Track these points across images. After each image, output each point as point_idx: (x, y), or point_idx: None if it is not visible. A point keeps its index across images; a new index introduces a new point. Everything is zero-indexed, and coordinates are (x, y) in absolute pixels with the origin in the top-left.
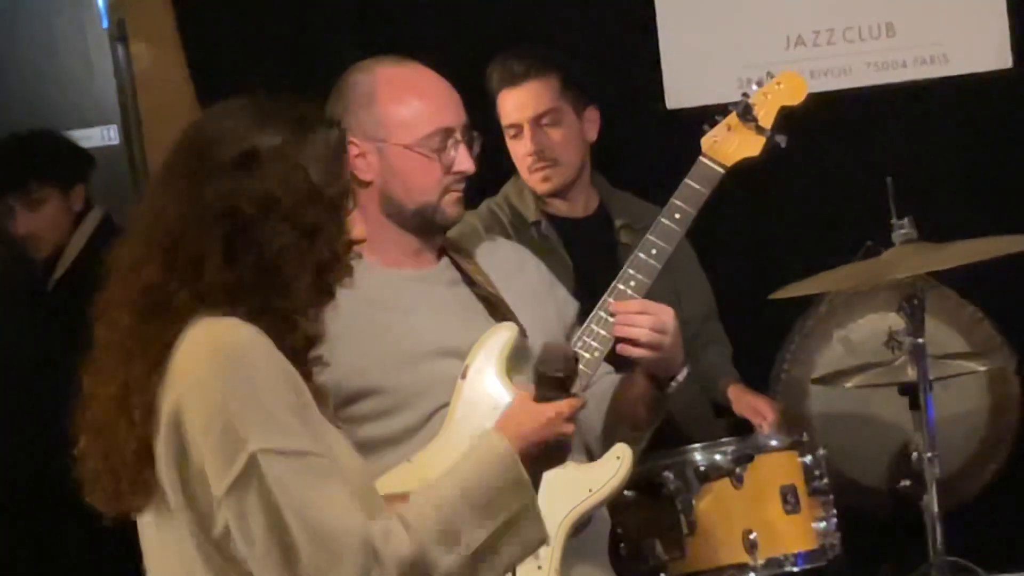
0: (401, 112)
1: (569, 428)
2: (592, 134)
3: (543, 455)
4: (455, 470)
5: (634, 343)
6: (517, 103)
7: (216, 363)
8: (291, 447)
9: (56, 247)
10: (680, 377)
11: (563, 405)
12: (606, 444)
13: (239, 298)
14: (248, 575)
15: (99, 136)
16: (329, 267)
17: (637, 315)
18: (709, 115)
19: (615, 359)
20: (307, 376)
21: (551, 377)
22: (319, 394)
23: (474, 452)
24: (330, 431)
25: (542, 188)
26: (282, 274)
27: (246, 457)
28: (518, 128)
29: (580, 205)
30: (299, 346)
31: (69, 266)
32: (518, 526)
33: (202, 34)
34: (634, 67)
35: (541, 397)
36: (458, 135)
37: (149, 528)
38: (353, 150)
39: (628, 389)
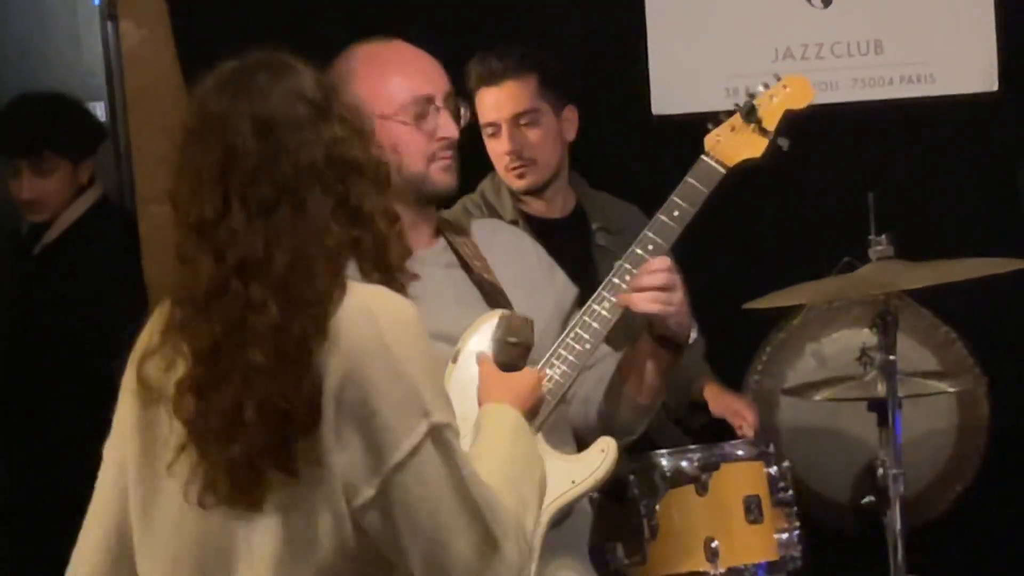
0: (379, 86)
1: (542, 394)
2: (570, 134)
3: (531, 418)
4: (493, 443)
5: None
6: (495, 102)
7: (401, 330)
8: (455, 425)
9: (54, 214)
10: (692, 338)
11: (532, 374)
12: (604, 425)
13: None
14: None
15: None
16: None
17: (648, 274)
18: (694, 123)
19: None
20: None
21: (513, 344)
22: None
23: (499, 425)
24: None
25: (518, 186)
26: (377, 226)
27: (427, 426)
28: (496, 127)
29: (557, 205)
30: (401, 266)
31: (58, 236)
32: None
33: (192, 15)
34: (622, 71)
35: (503, 366)
36: (439, 102)
37: (279, 491)
38: None
39: (636, 356)
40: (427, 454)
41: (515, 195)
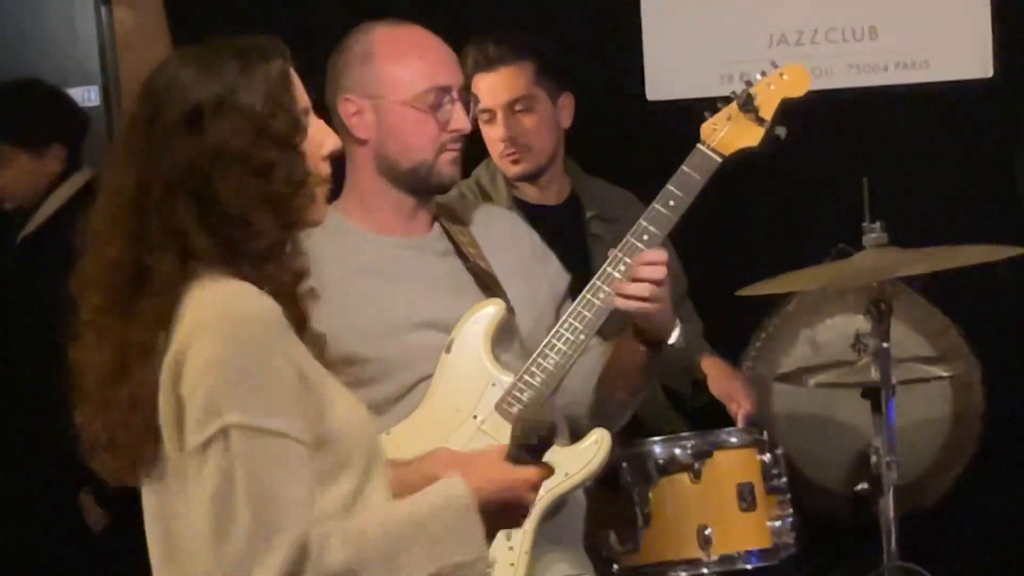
0: (398, 69)
1: (532, 497)
2: (566, 121)
3: (499, 513)
4: (414, 501)
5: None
6: (491, 88)
7: (222, 328)
8: (270, 426)
9: (31, 203)
10: (673, 338)
11: (532, 473)
12: (595, 415)
13: (226, 256)
14: None
15: (80, 96)
16: (290, 200)
17: (644, 266)
18: (689, 108)
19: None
20: (304, 319)
21: (528, 444)
22: (316, 341)
23: (435, 491)
24: (334, 401)
25: (513, 172)
26: (249, 220)
27: (220, 424)
28: (491, 113)
29: (552, 192)
30: (289, 284)
31: (40, 225)
32: (466, 574)
33: (186, 1)
34: (616, 56)
35: (513, 458)
36: (455, 94)
37: (150, 498)
38: (350, 107)
39: (618, 351)
40: (212, 452)
41: (509, 182)
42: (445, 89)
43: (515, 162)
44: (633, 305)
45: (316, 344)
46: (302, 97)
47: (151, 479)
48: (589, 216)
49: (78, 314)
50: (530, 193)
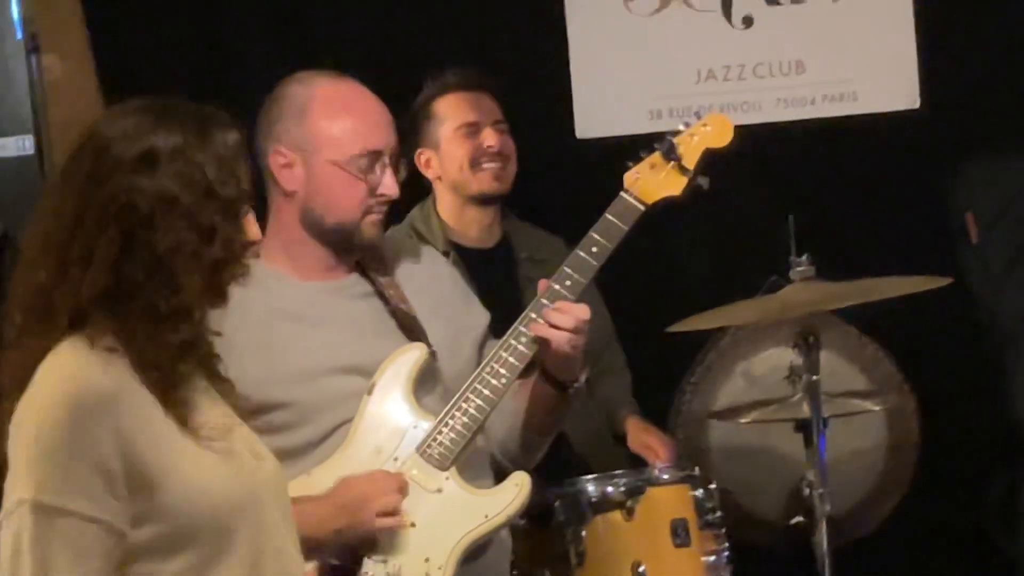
0: (332, 128)
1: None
2: None
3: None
4: None
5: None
6: (476, 103)
7: (44, 403)
8: (64, 506)
9: None
10: (579, 382)
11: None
12: (511, 456)
13: (119, 300)
14: None
15: (14, 146)
16: (224, 267)
17: (561, 314)
18: (618, 146)
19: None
20: (174, 383)
21: None
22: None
23: None
24: (183, 474)
25: (491, 187)
26: (174, 273)
27: (15, 500)
28: (475, 126)
29: (488, 234)
30: (178, 347)
31: None
32: None
33: (114, 48)
34: (545, 95)
35: None
36: (386, 158)
37: None
38: (280, 159)
39: (528, 392)
40: (8, 523)
41: (445, 225)
42: (377, 153)
43: (497, 175)
44: (551, 335)
45: (226, 393)
46: (247, 178)
47: None
48: (522, 257)
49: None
50: (467, 235)
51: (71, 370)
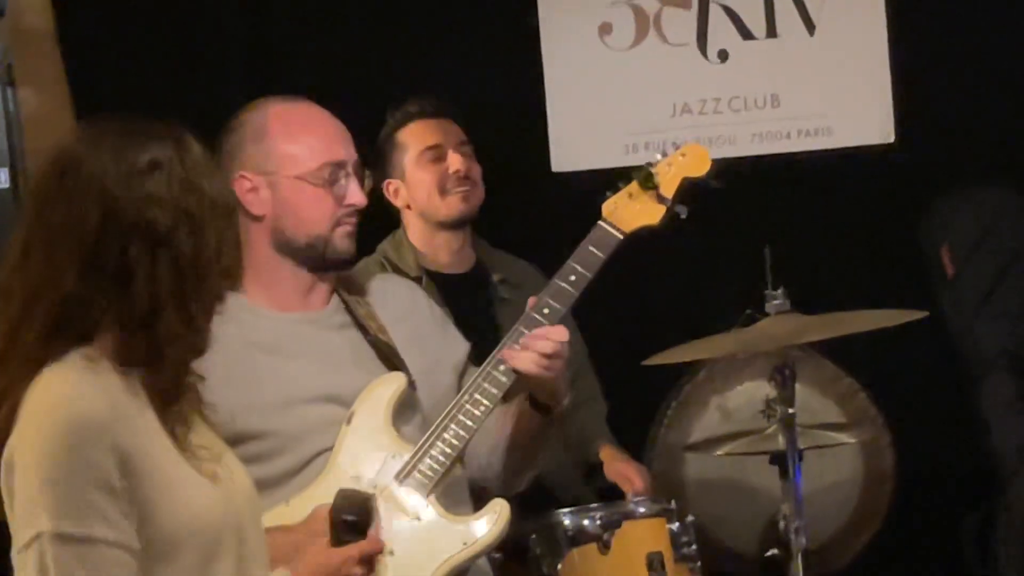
0: (293, 146)
1: (359, 571)
2: None
3: None
4: None
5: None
6: (440, 128)
7: (43, 431)
8: (81, 532)
9: None
10: (563, 406)
11: (354, 550)
12: (494, 483)
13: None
14: None
15: None
16: (229, 275)
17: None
18: (594, 179)
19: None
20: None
21: (345, 521)
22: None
23: None
24: (167, 494)
25: (459, 210)
26: (187, 284)
27: (33, 533)
28: (440, 149)
29: (460, 260)
30: (186, 357)
31: None
32: None
33: (90, 80)
34: (521, 129)
35: (337, 540)
36: (349, 168)
37: None
38: (245, 184)
39: (512, 417)
40: (29, 558)
41: (416, 251)
42: (340, 164)
43: (465, 198)
44: (530, 368)
45: (211, 419)
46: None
47: None
48: (496, 280)
49: None
50: (439, 261)
51: (66, 393)
